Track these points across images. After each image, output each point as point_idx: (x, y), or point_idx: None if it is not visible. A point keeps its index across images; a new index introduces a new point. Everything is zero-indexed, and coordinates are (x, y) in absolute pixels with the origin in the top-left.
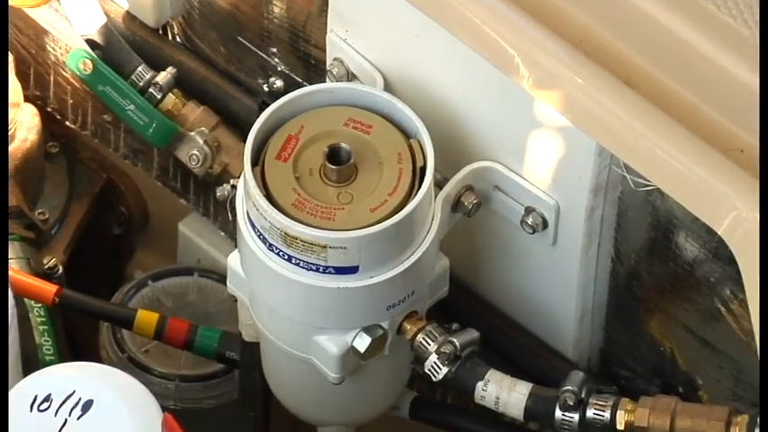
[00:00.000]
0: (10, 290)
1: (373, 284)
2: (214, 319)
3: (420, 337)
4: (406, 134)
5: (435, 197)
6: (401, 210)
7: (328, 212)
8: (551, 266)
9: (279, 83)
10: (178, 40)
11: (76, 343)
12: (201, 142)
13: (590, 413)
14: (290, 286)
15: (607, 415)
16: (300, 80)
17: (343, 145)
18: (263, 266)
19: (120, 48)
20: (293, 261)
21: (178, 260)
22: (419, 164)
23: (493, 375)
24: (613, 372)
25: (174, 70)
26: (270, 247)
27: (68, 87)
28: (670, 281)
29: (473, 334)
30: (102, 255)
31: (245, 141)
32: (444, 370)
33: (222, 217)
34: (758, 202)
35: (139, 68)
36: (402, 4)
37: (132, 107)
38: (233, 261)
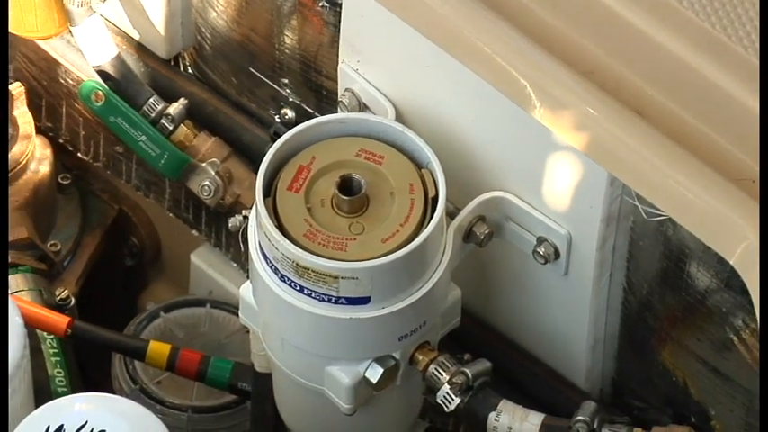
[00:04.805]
0: (22, 320)
1: (385, 315)
2: (226, 350)
3: (432, 367)
4: (418, 164)
5: (447, 227)
6: (413, 240)
7: (340, 243)
8: (563, 296)
9: (290, 113)
10: (190, 71)
11: (89, 374)
12: (213, 173)
13: None
14: (302, 317)
15: None
16: (312, 111)
17: (355, 175)
18: (275, 297)
19: (131, 79)
20: (305, 292)
21: (190, 291)
22: (431, 194)
23: (505, 406)
24: (626, 401)
25: (186, 101)
26: (282, 277)
27: (80, 119)
28: (682, 311)
29: (485, 364)
30: (115, 286)
31: (256, 172)
32: (457, 400)
33: (234, 248)
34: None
35: (151, 100)
36: (413, 35)
37: (144, 138)
38: (245, 292)
